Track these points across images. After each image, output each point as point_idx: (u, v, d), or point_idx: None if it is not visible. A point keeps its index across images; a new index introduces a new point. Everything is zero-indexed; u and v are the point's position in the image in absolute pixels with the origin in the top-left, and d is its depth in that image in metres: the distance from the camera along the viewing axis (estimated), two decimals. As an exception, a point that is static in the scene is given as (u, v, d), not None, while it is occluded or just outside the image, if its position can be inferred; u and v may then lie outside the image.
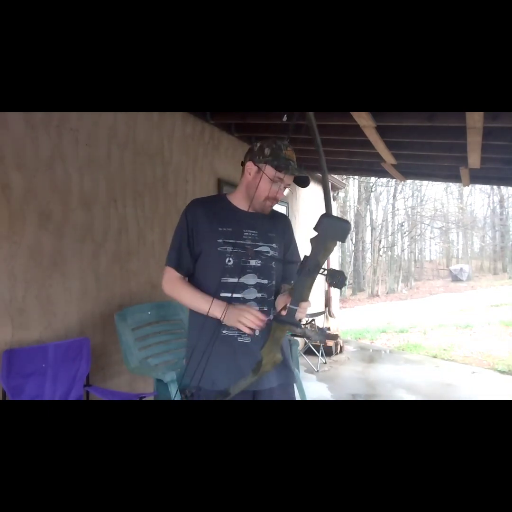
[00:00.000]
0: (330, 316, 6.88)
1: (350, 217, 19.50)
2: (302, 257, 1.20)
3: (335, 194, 8.05)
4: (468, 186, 4.92)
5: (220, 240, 1.46)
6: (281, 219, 1.66)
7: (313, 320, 5.78)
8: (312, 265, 1.18)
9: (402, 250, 22.06)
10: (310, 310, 1.35)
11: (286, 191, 1.51)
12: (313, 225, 1.15)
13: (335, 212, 8.43)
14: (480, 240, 27.70)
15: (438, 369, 5.50)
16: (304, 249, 1.38)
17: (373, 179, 17.55)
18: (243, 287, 1.47)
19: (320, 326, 5.91)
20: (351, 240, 19.34)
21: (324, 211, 1.21)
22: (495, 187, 21.39)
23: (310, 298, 1.27)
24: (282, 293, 1.47)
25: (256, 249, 1.49)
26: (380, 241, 20.10)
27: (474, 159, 3.32)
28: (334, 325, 6.70)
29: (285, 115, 1.61)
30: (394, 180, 11.57)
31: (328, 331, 6.06)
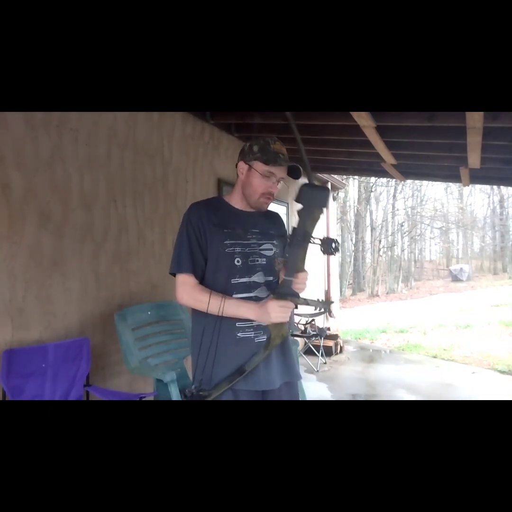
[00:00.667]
0: (330, 316, 6.88)
1: (350, 217, 19.50)
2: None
3: (335, 194, 8.05)
4: (468, 186, 4.92)
5: (227, 242, 1.47)
6: (275, 217, 1.69)
7: (313, 320, 5.78)
8: (301, 235, 1.24)
9: (402, 250, 22.05)
10: (309, 283, 1.38)
11: (280, 185, 1.54)
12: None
13: (335, 212, 8.44)
14: (480, 240, 27.70)
15: (438, 369, 5.50)
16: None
17: (373, 179, 17.53)
18: (254, 286, 1.49)
19: (320, 326, 5.91)
20: (351, 240, 19.34)
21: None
22: (495, 187, 21.39)
23: (306, 269, 1.33)
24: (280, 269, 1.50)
25: (261, 248, 1.51)
26: (380, 241, 20.08)
27: (474, 159, 3.32)
28: (334, 325, 6.70)
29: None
30: (394, 180, 11.57)
31: (328, 331, 6.06)
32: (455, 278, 21.57)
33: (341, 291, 14.96)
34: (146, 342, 2.75)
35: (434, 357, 6.28)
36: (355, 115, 2.75)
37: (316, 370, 5.16)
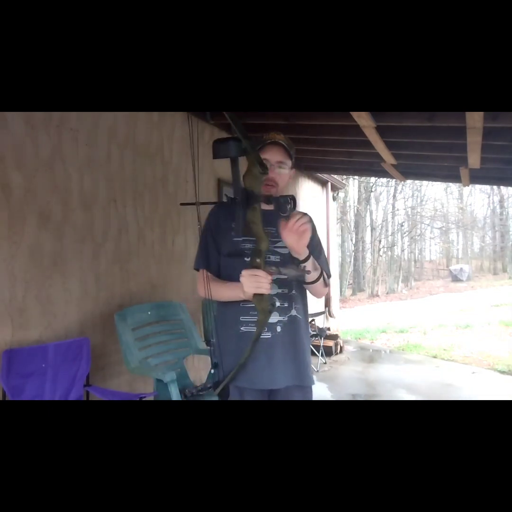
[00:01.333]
0: (330, 316, 6.88)
1: (350, 217, 19.50)
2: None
3: (335, 194, 8.04)
4: (468, 186, 4.93)
5: (239, 239, 1.49)
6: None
7: (313, 320, 5.77)
8: (238, 194, 1.25)
9: (402, 250, 22.06)
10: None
11: (281, 170, 1.55)
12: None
13: (335, 212, 8.43)
14: (480, 240, 27.71)
15: (438, 369, 5.49)
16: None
17: (373, 179, 17.53)
18: None
19: (320, 326, 5.91)
20: (351, 240, 19.35)
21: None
22: (495, 187, 21.39)
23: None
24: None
25: (275, 245, 1.51)
26: (380, 241, 20.09)
27: (474, 159, 3.32)
28: (334, 325, 6.70)
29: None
30: (394, 180, 11.57)
31: (328, 331, 6.06)
32: (455, 278, 21.57)
33: (341, 291, 14.97)
34: (146, 342, 2.75)
35: (434, 357, 6.28)
36: (355, 115, 2.75)
37: (316, 370, 5.16)
